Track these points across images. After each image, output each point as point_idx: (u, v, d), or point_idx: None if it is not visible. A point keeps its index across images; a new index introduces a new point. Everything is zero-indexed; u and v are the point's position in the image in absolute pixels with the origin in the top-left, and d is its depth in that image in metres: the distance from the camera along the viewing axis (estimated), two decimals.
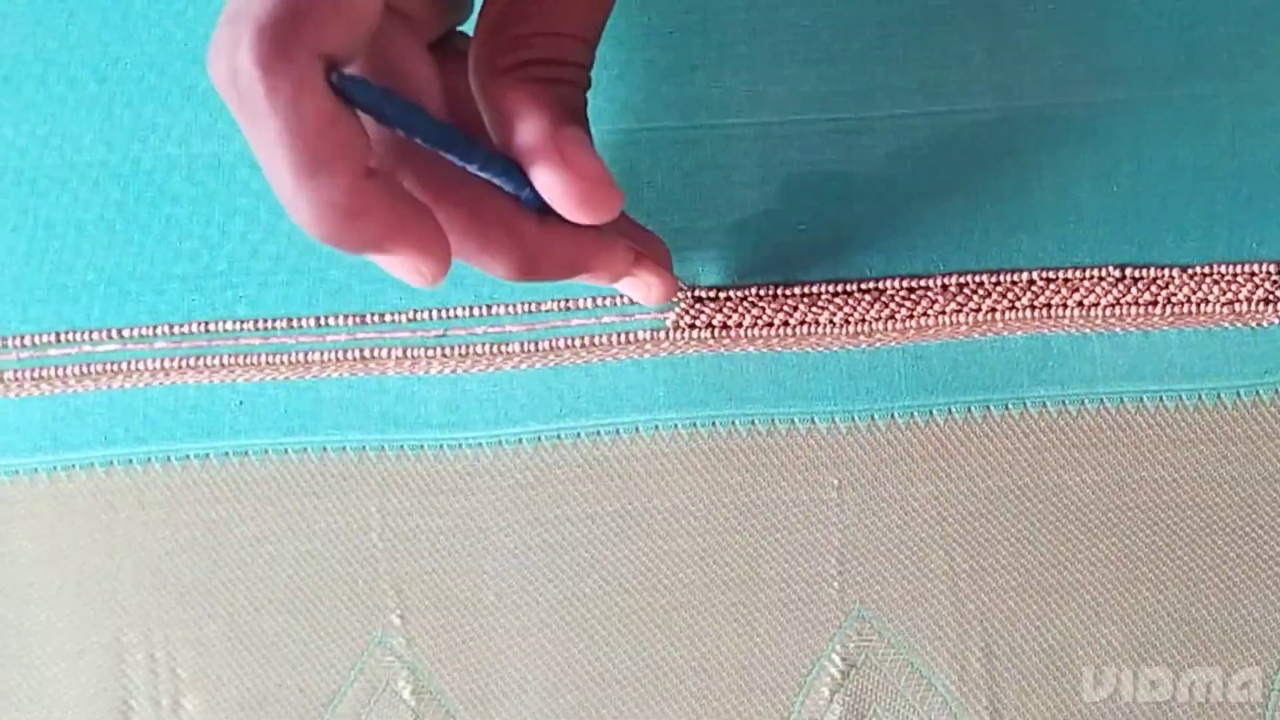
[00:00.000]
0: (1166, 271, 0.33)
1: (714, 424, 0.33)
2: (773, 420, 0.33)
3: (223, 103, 0.34)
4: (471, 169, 0.24)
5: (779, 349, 0.33)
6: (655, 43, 0.33)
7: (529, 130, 0.24)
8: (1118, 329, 0.33)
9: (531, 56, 0.24)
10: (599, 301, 0.34)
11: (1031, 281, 0.33)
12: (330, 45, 0.21)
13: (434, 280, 0.24)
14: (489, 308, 0.34)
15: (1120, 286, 0.33)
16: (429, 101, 0.25)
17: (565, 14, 0.25)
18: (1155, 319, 0.33)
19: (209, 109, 0.35)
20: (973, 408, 0.33)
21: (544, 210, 0.25)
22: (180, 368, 0.34)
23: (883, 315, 0.33)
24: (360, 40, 0.22)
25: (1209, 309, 0.33)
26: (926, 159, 0.33)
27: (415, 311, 0.34)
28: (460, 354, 0.34)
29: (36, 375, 0.34)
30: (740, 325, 0.33)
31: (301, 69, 0.20)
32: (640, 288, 0.31)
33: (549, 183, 0.24)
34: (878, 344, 0.33)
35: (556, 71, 0.25)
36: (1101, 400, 0.33)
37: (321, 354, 0.34)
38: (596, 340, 0.33)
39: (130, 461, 0.34)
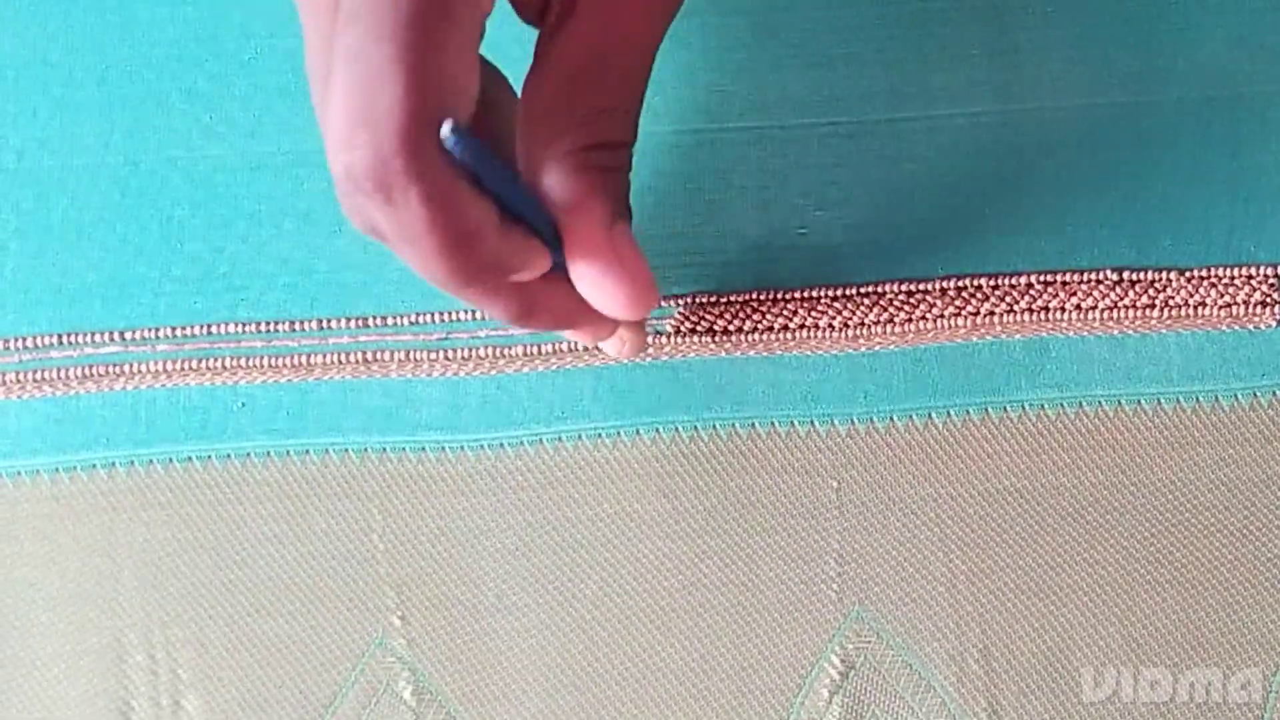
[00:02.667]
0: (1164, 275, 0.33)
1: (714, 427, 0.34)
2: (772, 423, 0.34)
3: (222, 104, 0.35)
4: (522, 222, 0.23)
5: (779, 353, 0.34)
6: None
7: (587, 225, 0.23)
8: (1116, 332, 0.33)
9: (593, 141, 0.24)
10: None
11: (1030, 285, 0.33)
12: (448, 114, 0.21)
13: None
14: None
15: (1118, 290, 0.33)
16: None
17: (624, 86, 0.24)
18: (1153, 322, 0.33)
19: (209, 111, 0.35)
20: (971, 410, 0.33)
21: (560, 268, 0.25)
22: (182, 370, 0.34)
23: (882, 319, 0.33)
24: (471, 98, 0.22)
25: (1206, 312, 0.33)
26: (926, 162, 0.33)
27: (418, 314, 0.34)
28: (463, 357, 0.34)
29: (38, 377, 0.34)
30: (740, 330, 0.33)
31: (444, 175, 0.20)
32: (615, 344, 0.31)
33: (598, 281, 0.24)
34: (877, 347, 0.34)
35: (615, 158, 0.24)
36: (1099, 403, 0.33)
37: (324, 356, 0.34)
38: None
39: (132, 463, 0.34)
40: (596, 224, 0.23)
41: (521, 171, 0.25)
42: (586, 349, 0.33)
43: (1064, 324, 0.33)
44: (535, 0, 0.25)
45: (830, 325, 0.33)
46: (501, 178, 0.22)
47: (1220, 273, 0.33)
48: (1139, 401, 0.33)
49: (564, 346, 0.34)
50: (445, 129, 0.20)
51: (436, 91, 0.20)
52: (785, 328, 0.33)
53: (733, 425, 0.34)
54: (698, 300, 0.33)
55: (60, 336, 0.34)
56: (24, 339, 0.34)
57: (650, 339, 0.33)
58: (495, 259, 0.23)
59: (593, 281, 0.24)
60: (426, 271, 0.22)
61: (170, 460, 0.34)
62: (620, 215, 0.24)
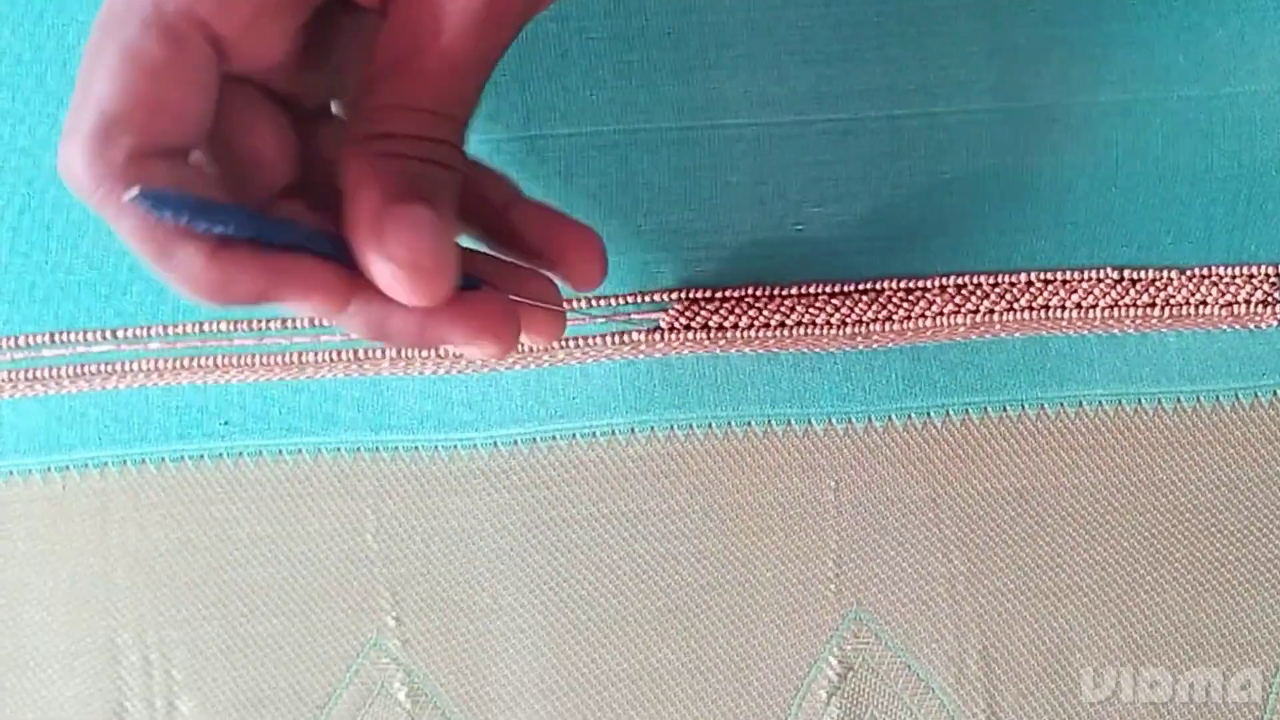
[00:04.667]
0: (1164, 273, 0.33)
1: (710, 425, 0.33)
2: (769, 421, 0.33)
3: None
4: (305, 247, 0.23)
5: (775, 350, 0.33)
6: (653, 42, 0.33)
7: (356, 206, 0.23)
8: (1116, 331, 0.33)
9: (380, 130, 0.24)
10: (593, 302, 0.34)
11: (1029, 283, 0.33)
12: (153, 144, 0.22)
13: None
14: None
15: (1118, 288, 0.33)
16: (272, 174, 0.25)
17: (418, 88, 0.24)
18: (1153, 321, 0.33)
19: None
20: (970, 409, 0.33)
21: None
22: (174, 368, 0.34)
23: (880, 316, 0.33)
24: (194, 132, 0.23)
25: (1207, 311, 0.33)
26: (924, 160, 0.33)
27: None
28: (455, 355, 0.33)
29: (31, 376, 0.34)
30: (736, 326, 0.33)
31: (122, 179, 0.21)
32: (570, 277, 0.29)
33: (362, 262, 0.23)
34: (875, 345, 0.33)
35: (409, 147, 0.24)
36: (1099, 402, 0.33)
37: (316, 355, 0.34)
38: (591, 341, 0.33)
39: (125, 462, 0.34)
40: (363, 205, 0.23)
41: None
42: (578, 346, 0.33)
43: (1064, 322, 0.33)
44: None
45: (828, 322, 0.33)
46: (223, 218, 0.22)
47: (1221, 271, 0.33)
48: (1139, 401, 0.33)
49: (557, 345, 0.33)
50: (129, 194, 0.21)
51: (132, 108, 0.21)
52: (782, 324, 0.33)
53: (729, 424, 0.33)
54: (693, 296, 0.33)
55: (52, 335, 0.34)
56: (16, 338, 0.34)
57: (642, 335, 0.33)
58: (227, 287, 0.23)
59: (365, 262, 0.23)
60: (169, 281, 0.23)
61: (163, 460, 0.34)
62: (403, 200, 0.23)
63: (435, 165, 0.24)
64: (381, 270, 0.23)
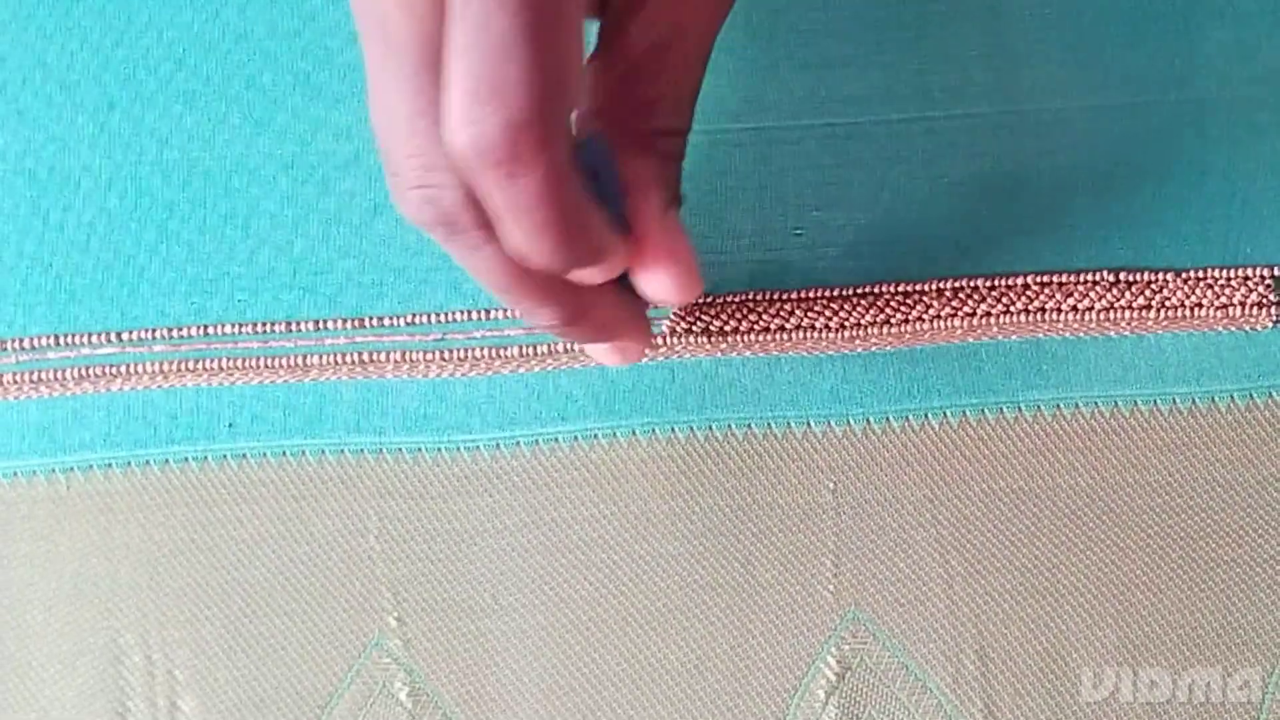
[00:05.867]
0: (1160, 276, 0.33)
1: (710, 427, 0.34)
2: (768, 424, 0.34)
3: (219, 108, 0.35)
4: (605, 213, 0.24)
5: (775, 353, 0.34)
6: None
7: (646, 210, 0.24)
8: (1112, 333, 0.33)
9: (659, 126, 0.24)
10: None
11: (1026, 286, 0.33)
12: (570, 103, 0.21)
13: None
14: (487, 312, 0.34)
15: (1114, 291, 0.33)
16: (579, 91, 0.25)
17: (684, 74, 0.24)
18: (1149, 323, 0.33)
19: (207, 115, 0.35)
20: (968, 411, 0.33)
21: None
22: (179, 371, 0.34)
23: (878, 320, 0.33)
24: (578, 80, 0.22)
25: (1203, 313, 0.33)
26: (922, 164, 0.34)
27: (414, 315, 0.34)
28: (459, 358, 0.34)
29: (35, 378, 0.34)
30: (736, 330, 0.33)
31: (560, 153, 0.21)
32: (611, 352, 0.31)
33: (652, 266, 0.24)
34: (873, 348, 0.34)
35: (672, 145, 0.24)
36: (1096, 404, 0.33)
37: (320, 357, 0.34)
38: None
39: (128, 464, 0.34)
40: (655, 209, 0.24)
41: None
42: (581, 349, 0.33)
43: (1060, 325, 0.33)
44: None
45: (826, 326, 0.33)
46: (607, 166, 0.23)
47: (1217, 274, 0.33)
48: (1135, 403, 0.33)
49: (559, 347, 0.34)
50: (583, 141, 0.21)
51: (560, 65, 0.21)
52: (781, 328, 0.33)
53: (729, 426, 0.34)
54: (694, 301, 0.33)
55: (57, 337, 0.34)
56: (21, 340, 0.34)
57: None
58: (595, 243, 0.23)
59: (648, 267, 0.24)
60: (531, 250, 0.22)
61: (167, 461, 0.34)
62: (672, 203, 0.25)
63: (681, 161, 0.25)
64: (666, 274, 0.24)
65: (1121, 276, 0.33)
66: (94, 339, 0.34)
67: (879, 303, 0.33)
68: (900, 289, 0.33)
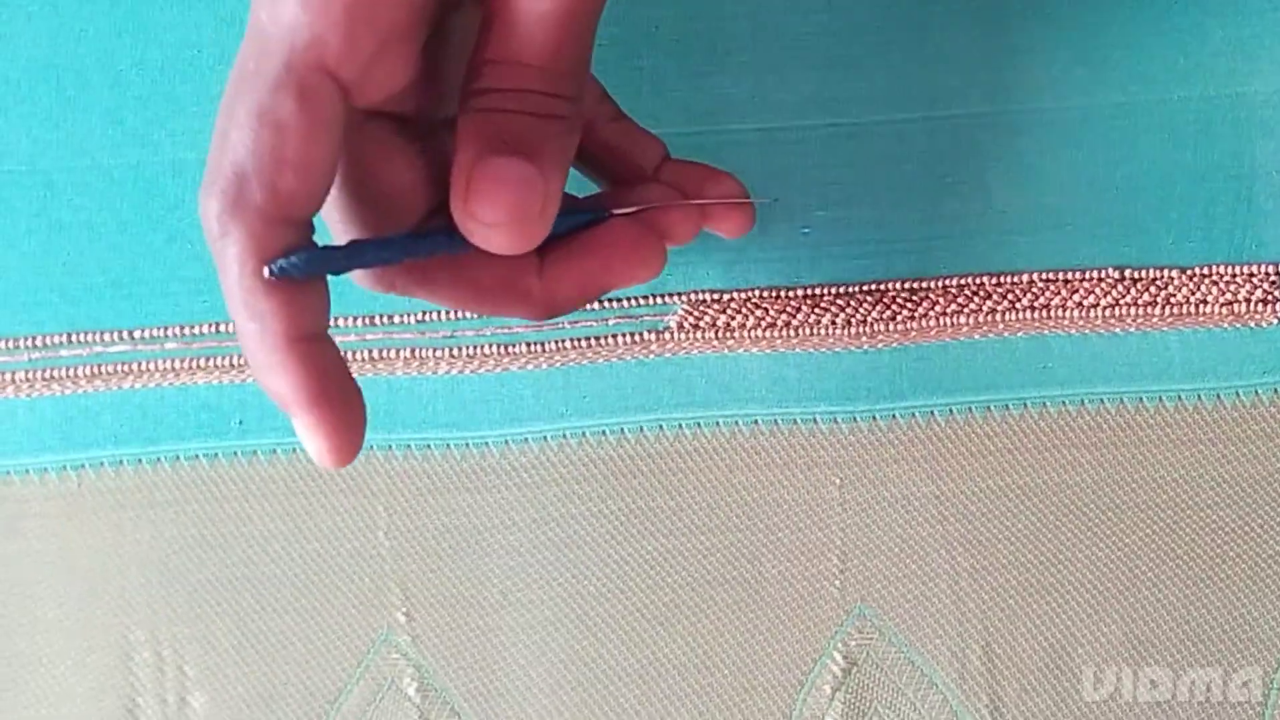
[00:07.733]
0: (1165, 272, 0.33)
1: (718, 423, 0.34)
2: (775, 420, 0.34)
3: None
4: (451, 251, 0.25)
5: (782, 350, 0.34)
6: (660, 49, 0.34)
7: (457, 164, 0.24)
8: (1117, 330, 0.33)
9: (483, 85, 0.24)
10: (605, 304, 0.34)
11: (1031, 283, 0.33)
12: (287, 202, 0.22)
13: (332, 461, 0.25)
14: None
15: (1120, 287, 0.33)
16: (414, 201, 0.26)
17: (519, 42, 0.24)
18: (1154, 320, 0.33)
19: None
20: (974, 408, 0.34)
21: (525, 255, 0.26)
22: (190, 368, 0.34)
23: (884, 316, 0.34)
24: (323, 184, 0.23)
25: (1208, 310, 0.33)
26: (926, 163, 0.34)
27: (424, 313, 0.34)
28: (468, 355, 0.34)
29: (48, 375, 0.34)
30: (743, 326, 0.34)
31: (250, 236, 0.22)
32: (719, 225, 0.30)
33: (457, 219, 0.24)
34: (879, 345, 0.34)
35: (514, 101, 0.24)
36: (1101, 400, 0.33)
37: None
38: (602, 341, 0.34)
39: (140, 461, 0.34)
40: (460, 161, 0.24)
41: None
42: (589, 346, 0.34)
43: (1065, 322, 0.33)
44: None
45: (833, 322, 0.33)
46: (349, 258, 0.24)
47: (1221, 270, 0.33)
48: (1140, 399, 0.33)
49: (567, 344, 0.34)
50: (265, 270, 0.22)
51: (257, 172, 0.22)
52: (788, 325, 0.34)
53: (736, 422, 0.34)
54: (701, 297, 0.34)
55: (69, 335, 0.34)
56: (33, 338, 0.34)
57: (652, 335, 0.34)
58: (306, 366, 0.24)
59: (457, 211, 0.24)
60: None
61: (177, 458, 0.34)
62: (496, 153, 0.24)
63: (544, 118, 0.24)
64: (467, 224, 0.24)
65: (1127, 273, 0.33)
66: (106, 337, 0.34)
67: (885, 299, 0.34)
68: (906, 286, 0.34)
